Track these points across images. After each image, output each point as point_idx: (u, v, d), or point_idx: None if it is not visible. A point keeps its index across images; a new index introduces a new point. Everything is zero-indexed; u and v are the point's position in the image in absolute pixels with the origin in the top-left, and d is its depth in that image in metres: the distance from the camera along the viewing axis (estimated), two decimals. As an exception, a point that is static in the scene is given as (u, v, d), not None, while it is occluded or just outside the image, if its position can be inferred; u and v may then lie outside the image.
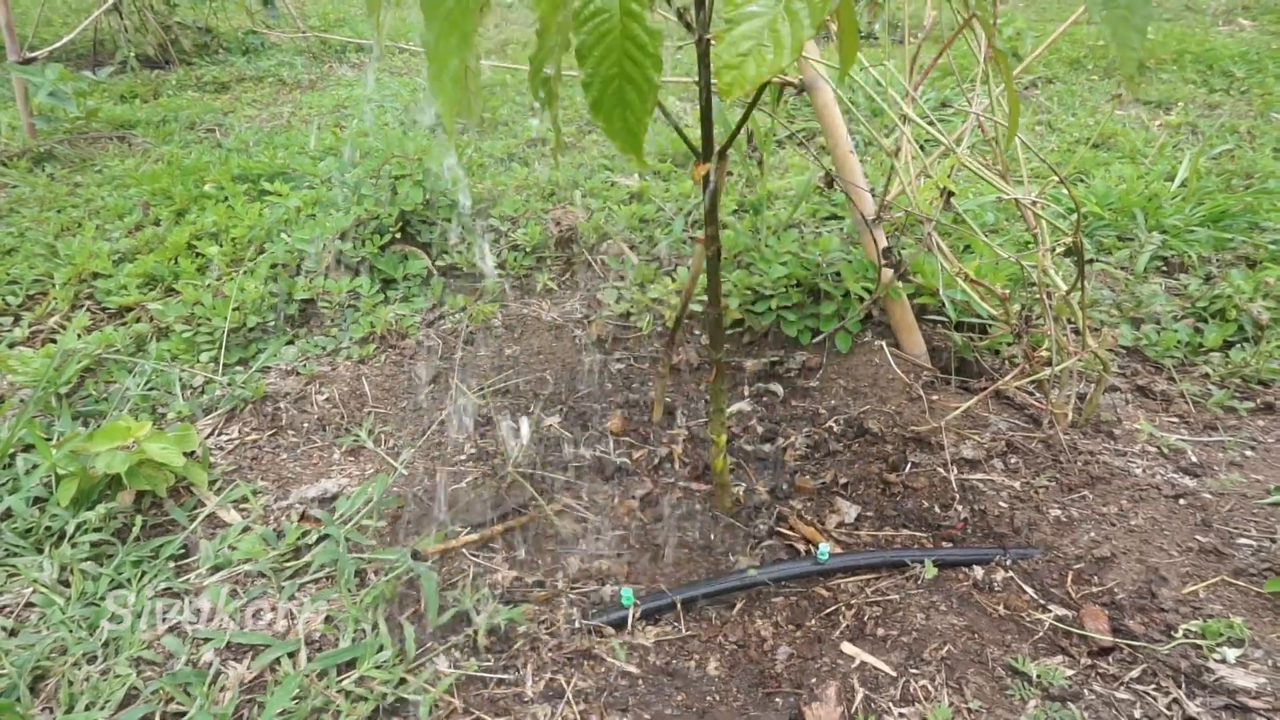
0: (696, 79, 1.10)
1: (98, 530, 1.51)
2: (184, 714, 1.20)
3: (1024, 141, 1.64)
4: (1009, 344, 1.98)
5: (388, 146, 2.58)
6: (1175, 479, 1.61)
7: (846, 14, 0.91)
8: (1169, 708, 1.17)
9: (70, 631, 1.32)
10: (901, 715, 1.19)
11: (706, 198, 1.19)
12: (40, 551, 1.48)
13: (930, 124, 1.69)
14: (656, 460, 1.77)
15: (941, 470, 1.65)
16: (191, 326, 2.11)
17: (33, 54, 3.35)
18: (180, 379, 1.96)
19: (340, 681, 1.24)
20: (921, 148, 2.76)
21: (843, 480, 1.67)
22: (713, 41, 1.06)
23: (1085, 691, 1.20)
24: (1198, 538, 1.45)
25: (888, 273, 1.79)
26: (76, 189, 3.04)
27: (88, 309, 2.26)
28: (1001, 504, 1.56)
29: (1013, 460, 1.67)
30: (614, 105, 0.85)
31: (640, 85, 0.83)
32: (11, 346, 2.09)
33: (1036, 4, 6.20)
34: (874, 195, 1.87)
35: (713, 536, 1.56)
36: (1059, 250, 1.74)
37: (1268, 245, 2.33)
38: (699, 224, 2.53)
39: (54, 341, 2.06)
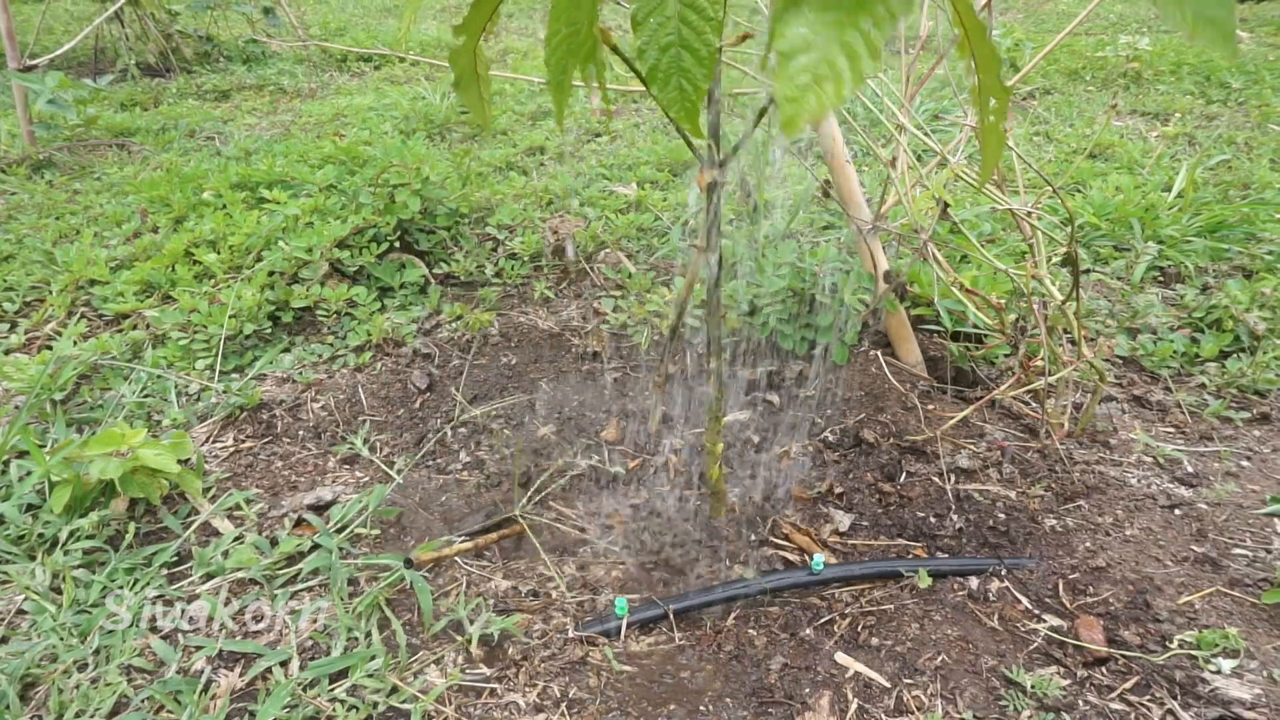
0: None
1: (91, 537, 1.51)
2: (174, 723, 1.19)
3: (1019, 154, 1.64)
4: (1005, 354, 1.98)
5: (386, 155, 2.59)
6: (1171, 489, 1.61)
7: (996, 131, 0.88)
8: (1163, 719, 1.17)
9: (61, 639, 1.31)
10: (895, 726, 1.18)
11: (709, 206, 1.19)
12: (33, 558, 1.48)
13: (926, 135, 1.70)
14: (652, 469, 1.76)
15: (937, 479, 1.64)
16: (188, 334, 2.11)
17: (33, 61, 3.36)
18: (176, 386, 1.96)
19: (332, 690, 1.23)
20: (919, 158, 2.77)
21: (838, 490, 1.67)
22: (721, 53, 1.06)
23: (1079, 702, 1.19)
24: (1193, 548, 1.45)
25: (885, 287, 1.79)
26: (75, 196, 3.05)
27: (84, 316, 2.27)
28: (997, 514, 1.55)
29: (1008, 470, 1.67)
30: (671, 73, 0.82)
31: (699, 51, 0.81)
32: (7, 353, 2.09)
33: (1035, 15, 6.23)
34: (871, 205, 1.87)
35: (708, 546, 1.56)
36: (1055, 260, 1.75)
37: (1264, 256, 2.34)
38: (696, 233, 2.53)
39: (50, 348, 2.06)
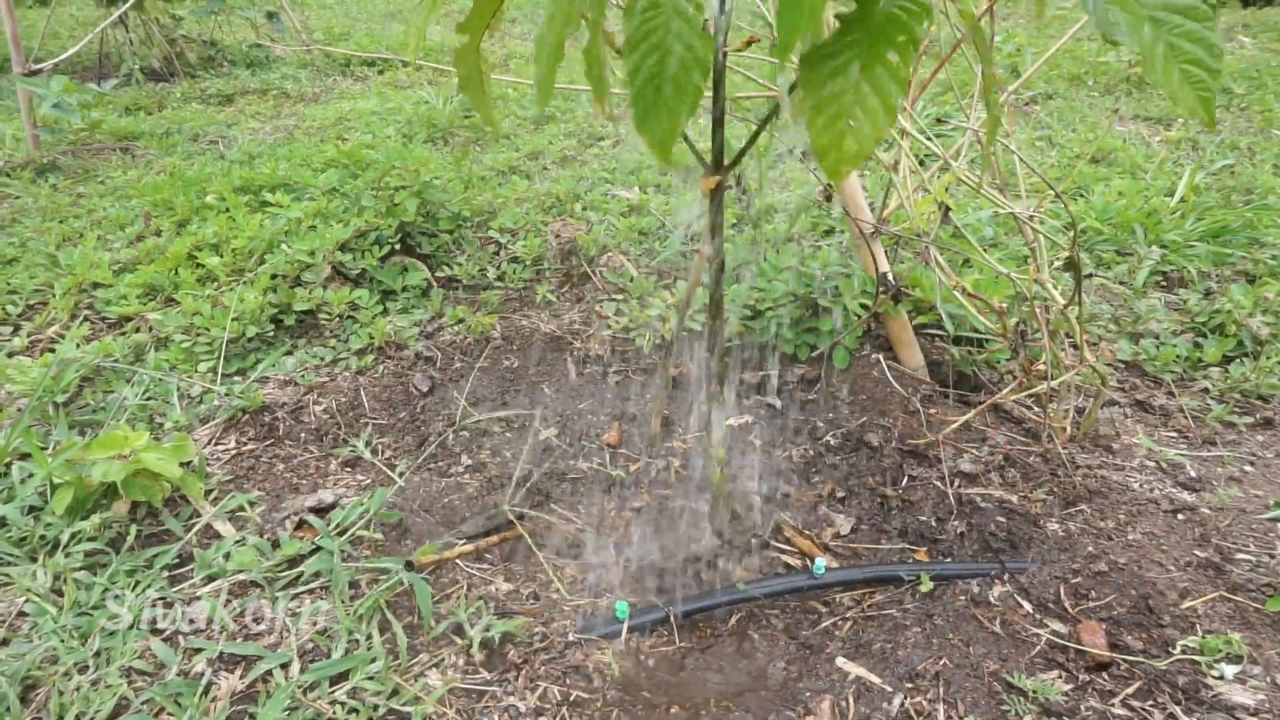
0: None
1: (92, 540, 1.51)
2: (175, 725, 1.19)
3: (1021, 158, 1.64)
4: (1007, 358, 1.98)
5: (388, 158, 2.59)
6: (1174, 493, 1.60)
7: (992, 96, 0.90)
8: (1167, 724, 1.16)
9: (62, 641, 1.31)
10: (897, 730, 1.18)
11: (713, 211, 1.19)
12: (34, 560, 1.48)
13: (929, 139, 1.70)
14: (654, 473, 1.76)
15: (939, 483, 1.64)
16: (190, 336, 2.12)
17: (38, 66, 3.38)
18: (178, 389, 1.96)
19: (332, 692, 1.23)
20: (921, 162, 2.77)
21: (840, 494, 1.66)
22: (726, 58, 1.06)
23: (1081, 707, 1.19)
24: (1196, 553, 1.45)
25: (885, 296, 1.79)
26: (79, 200, 3.05)
27: (87, 319, 2.27)
28: (999, 518, 1.55)
29: (1010, 474, 1.66)
30: (652, 102, 0.82)
31: (683, 86, 0.82)
32: (10, 356, 2.10)
33: (1037, 20, 6.22)
34: (873, 209, 1.87)
35: (709, 549, 1.56)
36: (1057, 265, 1.74)
37: (1267, 260, 2.33)
38: (698, 237, 2.53)
39: (53, 351, 2.06)
